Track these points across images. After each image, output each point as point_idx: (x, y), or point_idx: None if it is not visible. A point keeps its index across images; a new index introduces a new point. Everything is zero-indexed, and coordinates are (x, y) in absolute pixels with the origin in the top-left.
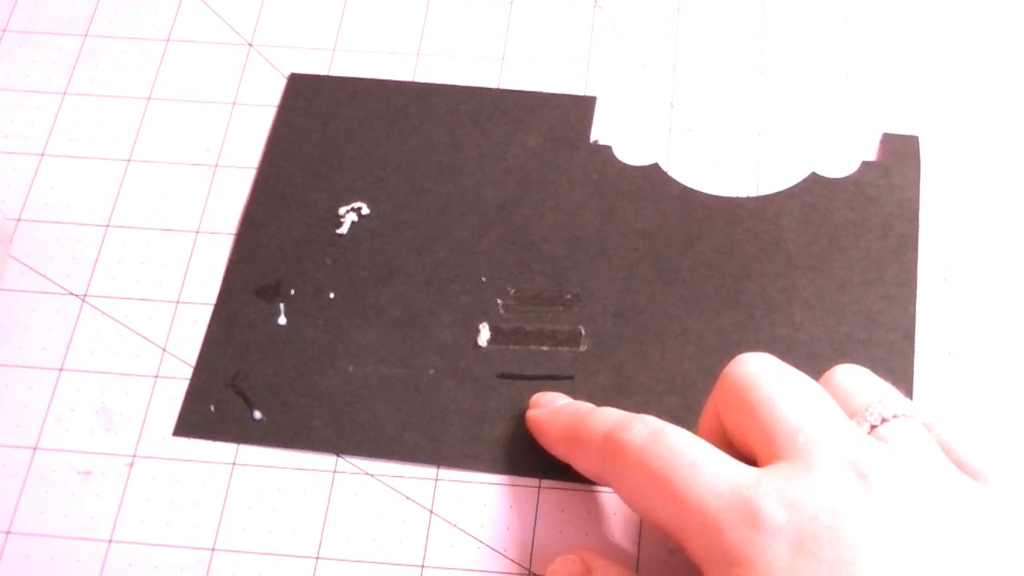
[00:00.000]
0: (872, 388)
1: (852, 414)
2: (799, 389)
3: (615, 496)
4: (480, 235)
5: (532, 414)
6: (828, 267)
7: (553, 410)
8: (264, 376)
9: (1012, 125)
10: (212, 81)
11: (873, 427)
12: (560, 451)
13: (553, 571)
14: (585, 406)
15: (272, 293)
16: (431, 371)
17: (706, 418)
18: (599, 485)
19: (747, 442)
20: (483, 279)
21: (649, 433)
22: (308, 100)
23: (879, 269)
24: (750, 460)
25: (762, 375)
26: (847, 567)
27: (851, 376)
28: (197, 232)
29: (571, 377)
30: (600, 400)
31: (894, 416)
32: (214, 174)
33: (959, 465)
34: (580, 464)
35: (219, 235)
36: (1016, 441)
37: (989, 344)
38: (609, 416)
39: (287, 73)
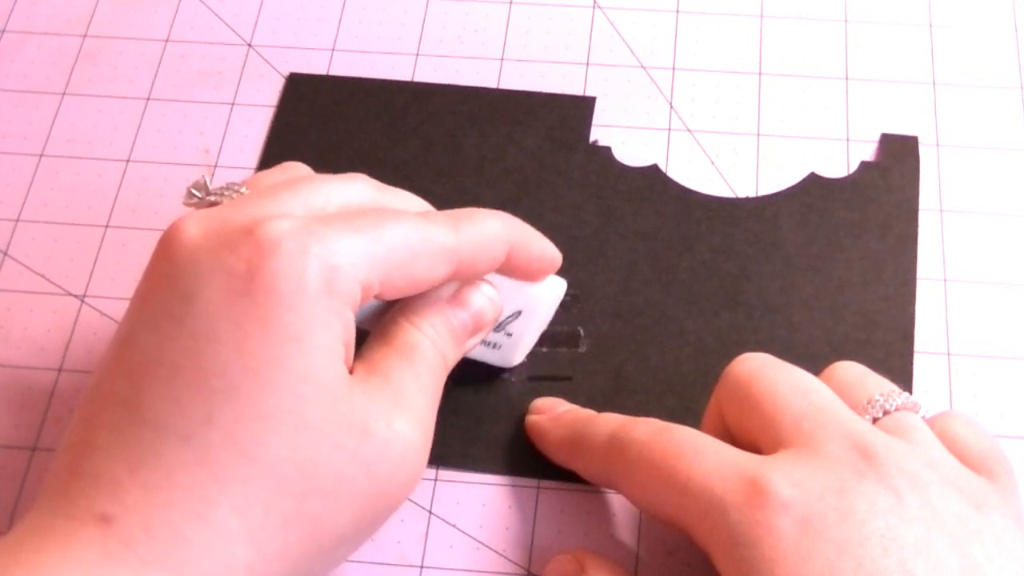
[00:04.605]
0: (873, 383)
1: (854, 407)
2: (802, 381)
3: (614, 497)
4: None
5: (532, 420)
6: (827, 268)
7: (554, 416)
8: None
9: (1010, 125)
10: (211, 81)
11: (875, 420)
12: (561, 456)
13: (549, 571)
14: (586, 412)
15: None
16: None
17: (708, 419)
18: (598, 486)
19: (752, 437)
20: None
21: (653, 430)
22: (307, 100)
23: (878, 270)
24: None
25: (764, 370)
26: (854, 547)
27: (851, 372)
28: None
29: (569, 378)
30: (599, 401)
31: (896, 409)
32: (213, 174)
33: (961, 459)
34: (583, 468)
35: None
36: (1015, 440)
37: (988, 345)
38: (612, 419)
39: (286, 73)
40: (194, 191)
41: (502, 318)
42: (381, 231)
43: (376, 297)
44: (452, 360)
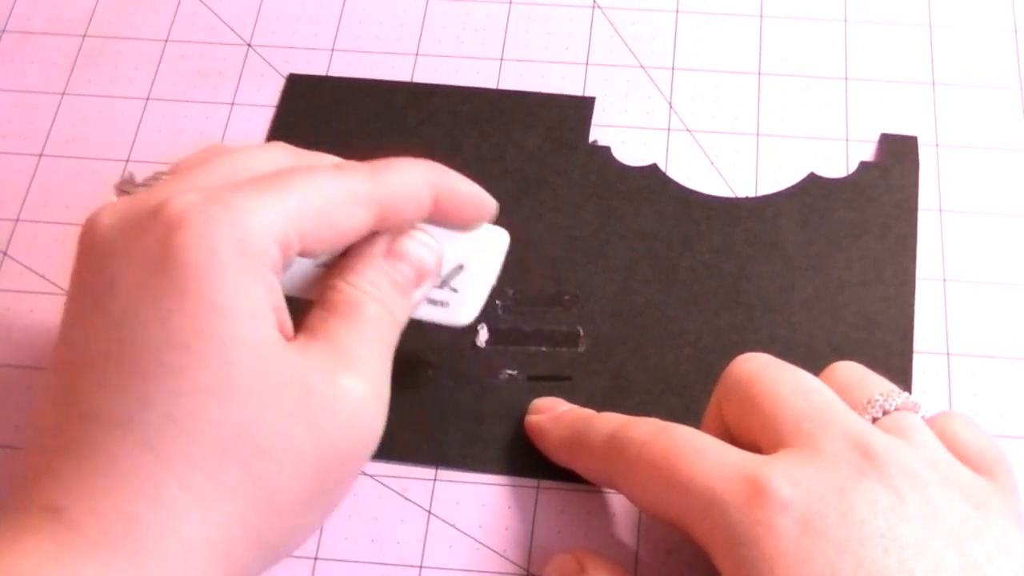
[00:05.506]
0: (873, 383)
1: (854, 407)
2: (802, 381)
3: (614, 496)
4: None
5: (532, 419)
6: (826, 267)
7: (554, 416)
8: None
9: (1009, 125)
10: (210, 82)
11: (875, 420)
12: (562, 456)
13: (549, 571)
14: (586, 412)
15: None
16: (430, 371)
17: (708, 419)
18: (598, 485)
19: (752, 436)
20: None
21: (653, 430)
22: (307, 101)
23: (877, 269)
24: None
25: (765, 370)
26: (855, 547)
27: (851, 372)
28: None
29: (569, 378)
30: (599, 401)
31: (896, 409)
32: None
33: (961, 459)
34: (583, 468)
35: None
36: (1015, 440)
37: (987, 345)
38: (612, 419)
39: (286, 74)
40: (122, 188)
41: (443, 273)
42: (290, 186)
43: (301, 254)
44: (401, 315)
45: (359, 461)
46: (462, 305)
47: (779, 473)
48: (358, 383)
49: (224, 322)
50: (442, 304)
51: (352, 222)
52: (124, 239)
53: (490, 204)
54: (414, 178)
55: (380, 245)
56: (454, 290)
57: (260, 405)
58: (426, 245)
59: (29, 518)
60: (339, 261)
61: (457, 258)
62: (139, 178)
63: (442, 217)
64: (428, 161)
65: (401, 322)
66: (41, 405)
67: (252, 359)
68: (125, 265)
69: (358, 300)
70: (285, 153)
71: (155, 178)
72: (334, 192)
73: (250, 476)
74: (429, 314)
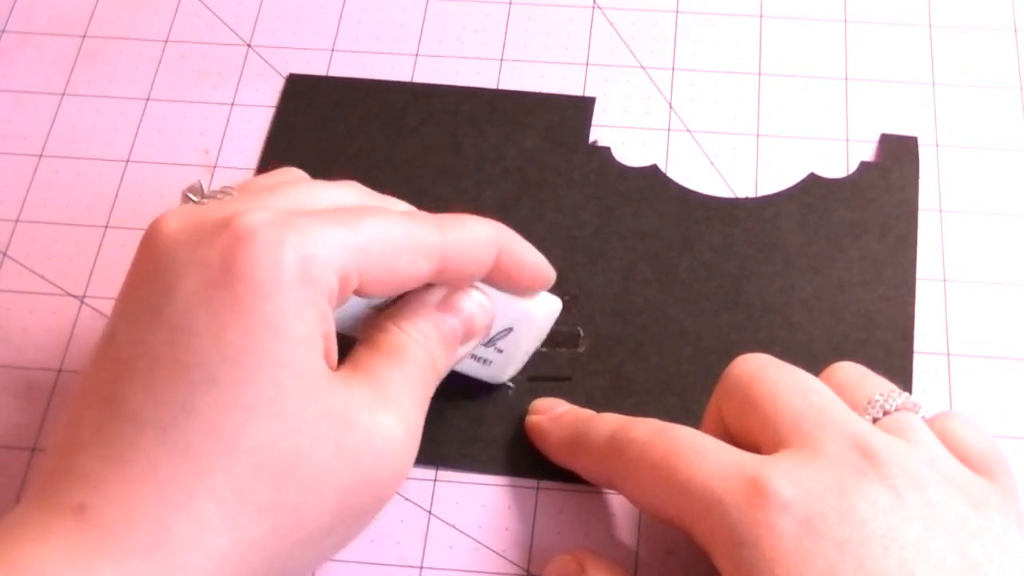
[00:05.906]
0: (872, 383)
1: (854, 407)
2: (802, 381)
3: (614, 497)
4: None
5: (532, 420)
6: (826, 268)
7: (554, 416)
8: None
9: (1010, 125)
10: (210, 82)
11: (875, 420)
12: (561, 457)
13: (549, 571)
14: (586, 412)
15: None
16: None
17: (708, 419)
18: (598, 486)
19: (752, 437)
20: None
21: (653, 430)
22: (307, 101)
23: (877, 270)
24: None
25: (765, 370)
26: (855, 547)
27: (851, 372)
28: None
29: (569, 378)
30: (599, 400)
31: (896, 409)
32: (212, 175)
33: (961, 459)
34: (583, 468)
35: None
36: (1015, 441)
37: (987, 345)
38: (612, 419)
39: (285, 74)
40: (190, 195)
41: (493, 332)
42: (360, 224)
43: (357, 292)
44: (443, 366)
45: (383, 499)
46: (504, 365)
47: (779, 473)
48: (396, 422)
49: (278, 344)
50: (485, 361)
51: (413, 270)
52: (188, 247)
53: (549, 274)
54: (480, 237)
55: (435, 295)
56: (499, 351)
57: (302, 431)
58: (480, 304)
59: (55, 516)
60: (392, 305)
61: (508, 320)
62: (206, 188)
63: (500, 279)
64: (496, 222)
65: (442, 373)
66: (76, 400)
67: (301, 384)
68: (186, 272)
69: (404, 344)
70: (357, 191)
71: (223, 191)
72: (400, 238)
73: (281, 500)
74: (470, 368)
